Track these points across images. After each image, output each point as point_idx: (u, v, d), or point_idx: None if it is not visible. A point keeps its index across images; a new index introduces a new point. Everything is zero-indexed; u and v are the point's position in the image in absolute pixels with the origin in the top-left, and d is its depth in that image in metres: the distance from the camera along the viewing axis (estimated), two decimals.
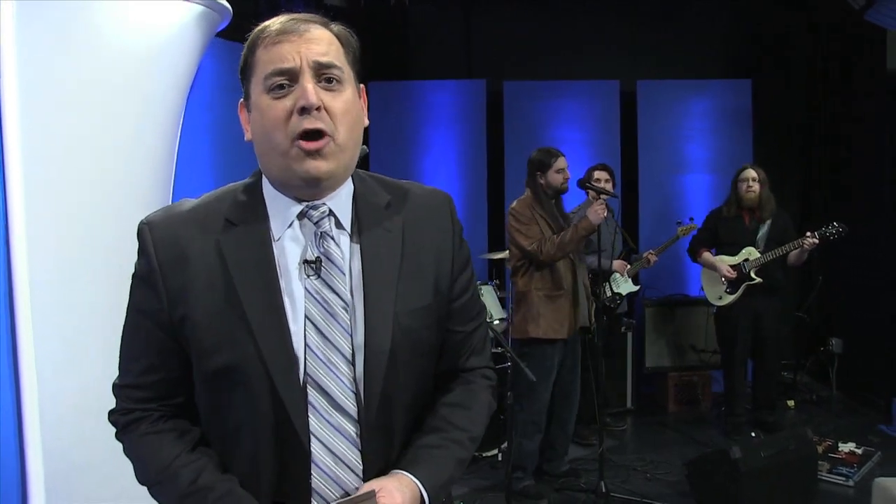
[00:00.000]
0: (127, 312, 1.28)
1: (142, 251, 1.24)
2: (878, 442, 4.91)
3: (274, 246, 1.23)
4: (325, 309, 1.21)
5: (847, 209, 5.91)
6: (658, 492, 4.21)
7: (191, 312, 1.20)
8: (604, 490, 3.98)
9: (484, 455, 4.70)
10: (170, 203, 3.03)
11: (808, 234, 4.67)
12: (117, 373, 1.30)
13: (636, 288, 5.42)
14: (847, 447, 4.64)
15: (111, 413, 1.29)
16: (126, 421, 1.27)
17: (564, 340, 4.11)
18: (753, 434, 4.44)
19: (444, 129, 6.44)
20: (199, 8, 2.71)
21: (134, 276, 1.26)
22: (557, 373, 4.16)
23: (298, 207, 1.24)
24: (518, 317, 4.13)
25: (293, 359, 1.19)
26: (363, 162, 4.08)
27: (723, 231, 5.08)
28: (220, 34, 3.09)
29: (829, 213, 4.98)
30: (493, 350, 4.76)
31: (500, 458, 4.62)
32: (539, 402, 4.11)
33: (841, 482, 4.27)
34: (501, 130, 6.43)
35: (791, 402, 5.78)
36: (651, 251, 5.29)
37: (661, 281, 6.13)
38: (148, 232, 1.24)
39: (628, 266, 5.21)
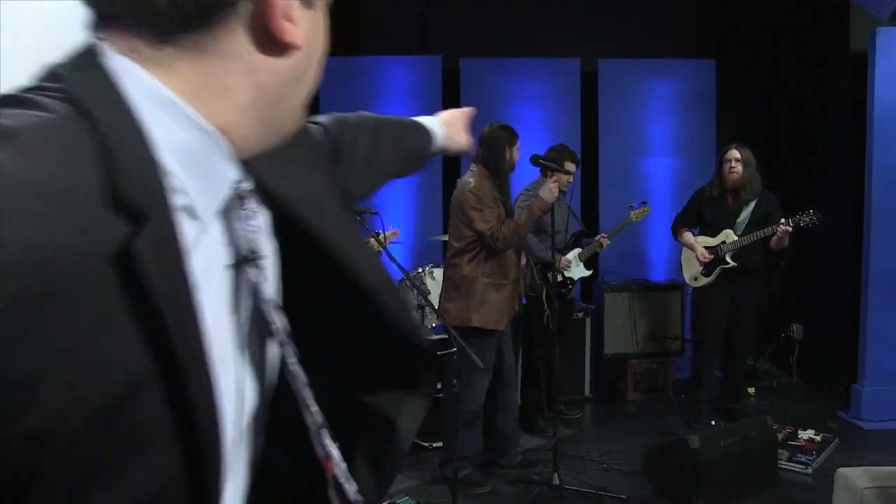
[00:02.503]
0: None
1: None
2: (837, 428, 4.86)
3: None
4: None
5: (811, 193, 5.81)
6: (614, 483, 4.05)
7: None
8: (557, 482, 3.81)
9: (433, 446, 4.50)
10: None
11: (783, 220, 4.56)
12: None
13: (588, 273, 5.21)
14: (806, 434, 4.59)
15: None
16: None
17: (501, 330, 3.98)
18: (713, 423, 4.32)
19: (397, 107, 6.17)
20: None
21: None
22: (496, 361, 4.02)
23: None
24: (458, 304, 3.88)
25: None
26: None
27: (706, 211, 4.97)
28: None
29: (792, 197, 4.90)
30: (441, 336, 4.55)
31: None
32: (479, 391, 3.96)
33: (800, 470, 4.20)
34: (457, 107, 6.16)
35: (751, 389, 5.69)
36: (603, 235, 5.08)
37: (621, 265, 5.97)
38: None
39: (571, 260, 5.02)
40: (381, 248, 3.46)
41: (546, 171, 4.36)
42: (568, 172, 4.10)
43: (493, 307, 3.87)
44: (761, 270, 4.92)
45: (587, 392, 5.62)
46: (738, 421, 4.72)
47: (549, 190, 3.80)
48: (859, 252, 5.17)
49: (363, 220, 3.49)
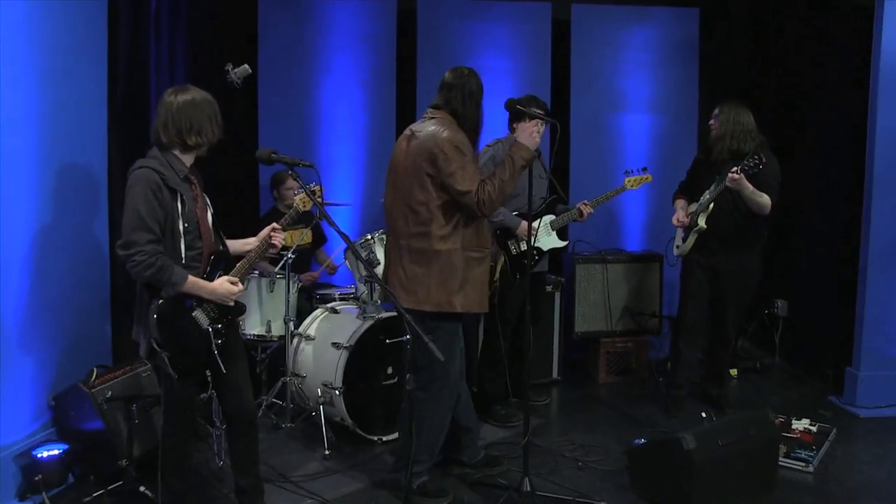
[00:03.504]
0: None
1: None
2: (831, 416, 4.42)
3: None
4: None
5: (799, 152, 5.33)
6: (591, 485, 3.53)
7: None
8: (528, 488, 3.23)
9: (382, 440, 3.90)
10: None
11: (734, 169, 4.06)
12: None
13: (563, 244, 4.56)
14: (801, 424, 4.15)
15: None
16: None
17: None
18: (704, 414, 3.78)
19: (346, 50, 5.51)
20: None
21: None
22: None
23: None
24: (433, 285, 3.14)
25: None
26: (248, 83, 3.15)
27: (696, 175, 4.54)
28: None
29: (782, 158, 4.39)
30: (390, 314, 3.93)
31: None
32: (452, 386, 3.33)
33: (800, 468, 3.71)
34: (414, 54, 5.56)
35: (733, 371, 5.21)
36: (586, 202, 4.39)
37: (594, 234, 5.41)
38: None
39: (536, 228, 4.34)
40: (318, 206, 2.83)
41: (517, 120, 3.73)
42: (545, 121, 3.46)
43: (476, 286, 3.21)
44: (750, 240, 4.38)
45: (555, 374, 5.13)
46: (722, 409, 4.38)
47: (530, 134, 3.15)
48: (853, 221, 4.71)
49: (294, 174, 2.82)
